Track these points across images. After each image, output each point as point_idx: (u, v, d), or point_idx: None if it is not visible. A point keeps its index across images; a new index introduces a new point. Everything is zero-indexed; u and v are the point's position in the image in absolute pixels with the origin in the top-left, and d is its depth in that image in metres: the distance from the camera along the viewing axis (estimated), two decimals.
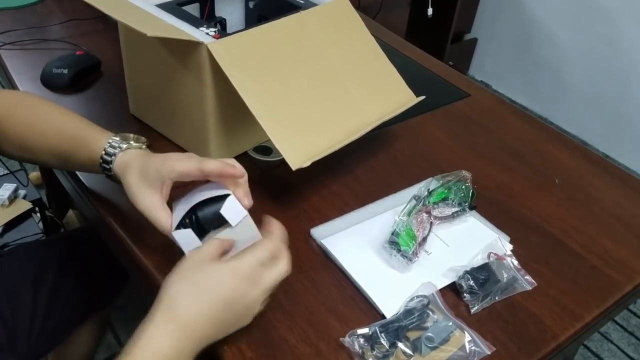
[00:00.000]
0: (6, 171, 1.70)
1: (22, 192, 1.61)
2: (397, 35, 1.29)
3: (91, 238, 1.07)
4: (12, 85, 0.98)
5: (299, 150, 0.72)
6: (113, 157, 0.67)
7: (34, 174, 1.95)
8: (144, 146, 0.70)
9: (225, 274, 0.56)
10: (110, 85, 1.00)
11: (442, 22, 2.56)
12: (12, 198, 1.57)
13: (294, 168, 0.70)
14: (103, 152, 0.68)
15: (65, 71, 0.96)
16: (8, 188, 1.57)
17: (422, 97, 0.89)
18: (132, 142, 0.69)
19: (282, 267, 0.58)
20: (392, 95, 0.87)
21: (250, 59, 0.75)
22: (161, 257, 0.70)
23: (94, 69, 1.02)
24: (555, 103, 2.71)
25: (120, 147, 0.67)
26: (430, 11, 2.43)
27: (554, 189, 0.88)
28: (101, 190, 0.79)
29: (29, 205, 1.57)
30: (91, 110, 0.95)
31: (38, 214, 1.62)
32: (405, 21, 2.58)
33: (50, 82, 0.97)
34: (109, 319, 1.46)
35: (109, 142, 0.68)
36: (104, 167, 0.68)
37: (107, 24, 1.16)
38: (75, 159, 0.71)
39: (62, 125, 0.72)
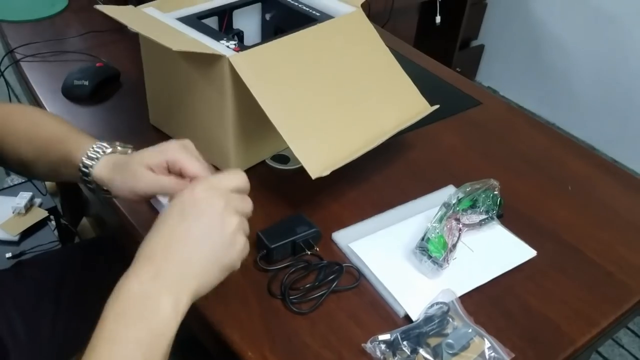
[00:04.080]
0: (24, 179, 1.72)
1: (37, 200, 1.63)
2: (406, 42, 1.31)
3: (110, 247, 1.08)
4: (34, 97, 1.01)
5: (318, 159, 0.74)
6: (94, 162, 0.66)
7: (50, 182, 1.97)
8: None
9: (179, 199, 0.55)
10: (129, 95, 1.02)
11: (450, 30, 2.57)
12: (29, 206, 1.59)
13: (313, 177, 0.72)
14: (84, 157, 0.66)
15: (86, 83, 0.99)
16: (24, 197, 1.59)
17: (437, 106, 0.91)
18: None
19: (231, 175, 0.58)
20: (408, 105, 0.89)
21: (270, 71, 0.76)
22: None
23: (114, 80, 1.04)
24: (563, 109, 2.72)
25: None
26: (438, 19, 2.45)
27: (567, 196, 0.89)
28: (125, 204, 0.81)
29: (45, 214, 1.59)
30: (111, 120, 0.97)
31: (53, 222, 1.65)
32: (414, 29, 2.59)
33: (71, 94, 0.99)
34: None
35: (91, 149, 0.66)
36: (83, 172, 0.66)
37: (124, 35, 1.18)
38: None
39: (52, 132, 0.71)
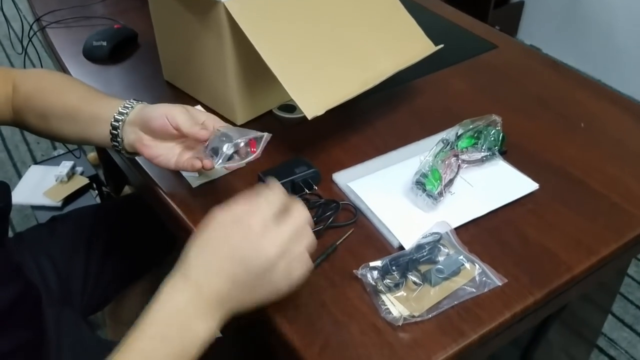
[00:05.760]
0: (65, 150, 1.81)
1: (79, 169, 1.71)
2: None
3: (140, 204, 1.13)
4: (57, 60, 1.06)
5: (314, 101, 0.75)
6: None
7: (92, 155, 2.06)
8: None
9: (238, 232, 0.56)
10: (146, 55, 1.06)
11: None
12: (71, 175, 1.67)
13: (309, 117, 0.74)
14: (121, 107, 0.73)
15: (105, 43, 1.03)
16: (66, 165, 1.68)
17: (441, 46, 0.90)
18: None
19: (296, 216, 0.57)
20: (410, 46, 0.88)
21: (267, 16, 0.78)
22: None
23: (132, 41, 1.08)
24: (608, 64, 2.62)
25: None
26: None
27: (579, 133, 0.88)
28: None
29: (86, 181, 1.67)
30: (129, 78, 1.01)
31: (96, 190, 1.73)
32: None
33: (91, 55, 1.04)
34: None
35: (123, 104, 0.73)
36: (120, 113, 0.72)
37: (144, 1, 1.22)
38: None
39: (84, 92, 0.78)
